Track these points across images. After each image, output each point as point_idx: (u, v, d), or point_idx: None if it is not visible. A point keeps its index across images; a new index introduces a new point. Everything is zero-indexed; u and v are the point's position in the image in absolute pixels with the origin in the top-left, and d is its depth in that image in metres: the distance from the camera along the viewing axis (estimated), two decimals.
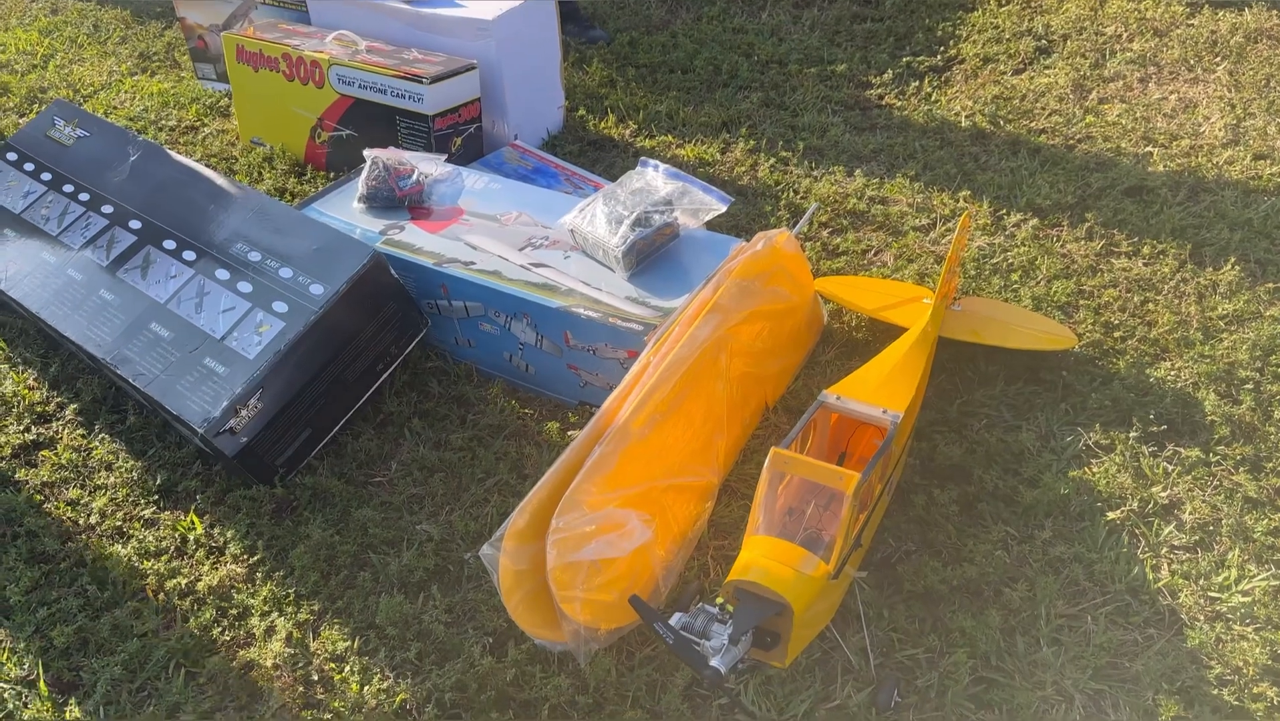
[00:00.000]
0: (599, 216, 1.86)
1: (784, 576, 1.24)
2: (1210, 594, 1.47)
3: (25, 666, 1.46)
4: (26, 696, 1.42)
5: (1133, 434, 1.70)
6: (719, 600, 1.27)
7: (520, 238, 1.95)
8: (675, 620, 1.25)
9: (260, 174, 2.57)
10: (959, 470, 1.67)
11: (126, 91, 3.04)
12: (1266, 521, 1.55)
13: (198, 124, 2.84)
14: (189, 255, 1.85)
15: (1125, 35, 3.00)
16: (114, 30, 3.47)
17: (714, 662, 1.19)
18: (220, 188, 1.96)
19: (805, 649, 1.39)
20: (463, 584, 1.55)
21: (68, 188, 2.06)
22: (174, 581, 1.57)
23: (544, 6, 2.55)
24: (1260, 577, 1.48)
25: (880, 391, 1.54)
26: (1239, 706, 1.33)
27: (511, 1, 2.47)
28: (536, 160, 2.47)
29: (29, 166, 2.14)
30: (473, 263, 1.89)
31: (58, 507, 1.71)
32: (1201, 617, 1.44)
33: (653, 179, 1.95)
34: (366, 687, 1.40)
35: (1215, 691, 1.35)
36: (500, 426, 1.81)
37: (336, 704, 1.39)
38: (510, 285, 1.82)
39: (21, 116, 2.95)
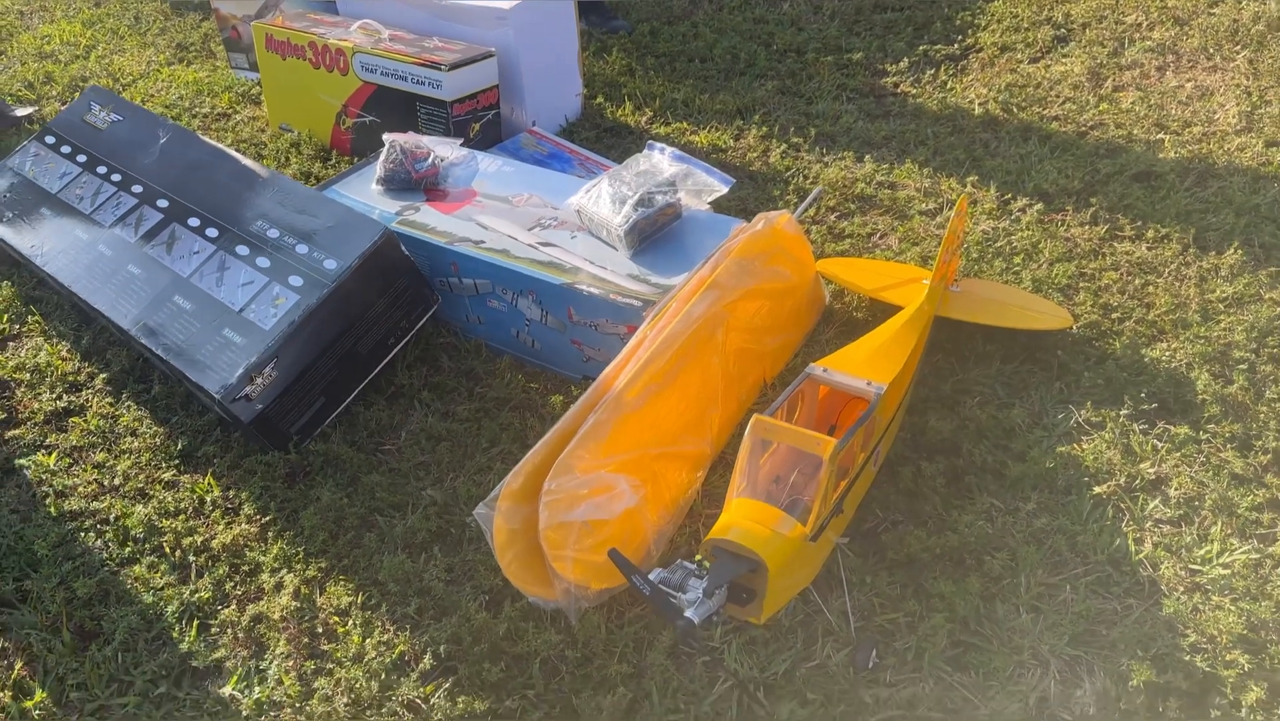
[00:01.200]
0: (604, 197, 1.91)
1: (760, 535, 1.29)
2: (1191, 566, 1.50)
3: (51, 614, 1.55)
4: (51, 641, 1.51)
5: (1124, 411, 1.73)
6: (698, 557, 1.33)
7: (530, 218, 2.02)
8: (654, 575, 1.30)
9: (288, 159, 2.66)
10: (948, 444, 1.70)
11: (163, 80, 3.15)
12: (1252, 497, 1.57)
13: (230, 111, 2.94)
14: (212, 232, 1.93)
15: (1146, 24, 3.00)
16: (154, 22, 3.59)
17: (688, 614, 1.24)
18: (243, 169, 2.04)
19: (786, 609, 1.44)
20: (464, 545, 1.61)
21: (101, 169, 2.15)
22: (190, 539, 1.65)
23: None
24: (1241, 551, 1.50)
25: (867, 365, 1.58)
26: (1210, 672, 1.35)
27: None
28: (552, 145, 2.53)
29: (65, 149, 2.24)
30: (482, 241, 1.95)
31: (85, 470, 1.80)
32: (1181, 589, 1.47)
33: (658, 161, 2.00)
34: (368, 640, 1.47)
35: (1188, 658, 1.37)
36: (506, 399, 1.87)
37: (339, 654, 1.47)
38: (517, 263, 1.89)
39: (63, 104, 3.07)
